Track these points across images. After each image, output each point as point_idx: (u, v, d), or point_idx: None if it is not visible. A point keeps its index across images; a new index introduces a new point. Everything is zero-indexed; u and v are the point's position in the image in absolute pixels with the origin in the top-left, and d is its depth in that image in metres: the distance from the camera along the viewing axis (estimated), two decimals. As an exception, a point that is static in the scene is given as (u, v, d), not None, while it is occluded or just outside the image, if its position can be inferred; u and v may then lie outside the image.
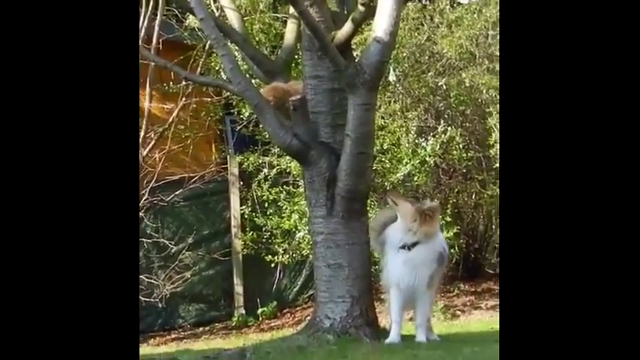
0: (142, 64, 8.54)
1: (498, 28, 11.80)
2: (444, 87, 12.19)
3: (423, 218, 7.03)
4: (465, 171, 12.47)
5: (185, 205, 13.20)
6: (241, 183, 13.11)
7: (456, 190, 12.52)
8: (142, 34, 11.17)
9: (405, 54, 12.17)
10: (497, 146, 11.53)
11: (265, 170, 12.42)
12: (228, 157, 13.48)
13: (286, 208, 12.18)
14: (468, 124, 12.60)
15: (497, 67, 11.83)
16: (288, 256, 12.31)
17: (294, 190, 12.14)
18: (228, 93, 11.78)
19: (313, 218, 7.64)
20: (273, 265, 12.46)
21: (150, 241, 12.44)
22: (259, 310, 13.02)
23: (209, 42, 10.13)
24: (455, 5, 12.64)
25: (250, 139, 12.90)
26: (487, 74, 11.90)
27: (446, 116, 12.45)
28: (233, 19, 8.66)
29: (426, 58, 12.48)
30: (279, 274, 13.13)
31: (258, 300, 13.10)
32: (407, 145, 11.73)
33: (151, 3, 11.67)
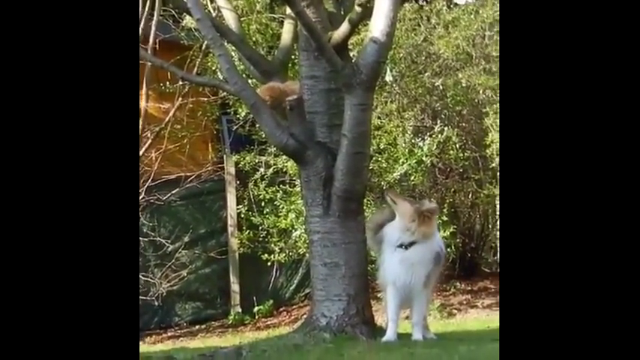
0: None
1: (495, 29, 11.86)
2: (441, 87, 12.22)
3: (422, 219, 7.04)
4: (461, 171, 12.49)
5: (182, 204, 13.22)
6: (238, 182, 13.12)
7: (453, 189, 12.55)
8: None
9: (401, 54, 12.19)
10: (494, 146, 11.56)
11: (262, 170, 12.44)
12: (224, 156, 13.50)
13: (283, 208, 12.20)
14: (464, 124, 12.63)
15: (494, 68, 11.87)
16: (284, 254, 12.33)
17: (291, 190, 12.15)
18: (225, 93, 11.78)
19: (310, 217, 7.66)
20: (269, 263, 12.47)
21: (146, 239, 12.45)
22: (255, 309, 13.04)
23: (206, 42, 10.12)
24: (452, 6, 12.67)
25: (247, 138, 12.91)
26: (484, 75, 11.93)
27: (442, 116, 12.47)
28: (230, 19, 8.67)
29: (423, 58, 12.51)
30: (276, 272, 13.15)
31: (254, 298, 13.11)
32: (403, 144, 11.75)
33: (148, 3, 11.67)
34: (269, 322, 12.79)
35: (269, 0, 12.69)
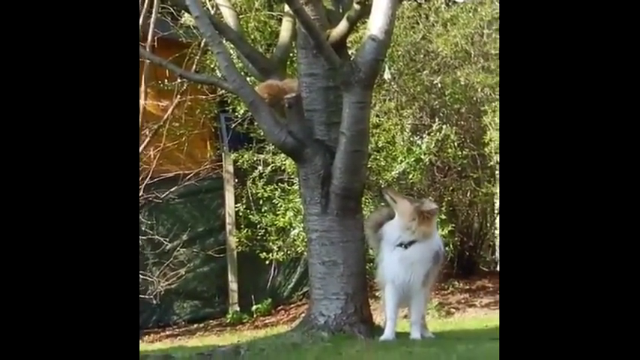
0: (137, 61, 8.54)
1: (494, 27, 11.85)
2: (439, 85, 12.21)
3: (422, 218, 7.03)
4: (459, 169, 12.49)
5: (180, 202, 13.22)
6: (236, 180, 13.12)
7: (451, 188, 12.54)
8: (137, 31, 11.16)
9: (400, 52, 12.18)
10: (492, 144, 11.56)
11: (260, 168, 12.44)
12: (223, 154, 13.50)
13: (281, 206, 12.19)
14: (462, 123, 12.63)
15: (493, 66, 11.87)
16: (282, 253, 12.33)
17: (289, 188, 12.14)
18: (223, 91, 11.78)
19: (308, 216, 7.65)
20: (267, 262, 12.47)
21: (144, 237, 12.44)
22: (254, 307, 13.03)
23: (204, 40, 10.12)
24: (450, 4, 12.66)
25: (245, 136, 12.91)
26: (482, 73, 11.93)
27: (441, 114, 12.46)
28: (228, 16, 8.66)
29: (421, 56, 12.50)
30: (274, 271, 13.15)
31: (252, 297, 13.11)
32: (402, 143, 11.75)
33: (147, 1, 11.66)
34: (267, 321, 12.78)
35: (267, -3, 12.69)
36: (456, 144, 11.93)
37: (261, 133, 11.22)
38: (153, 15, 11.85)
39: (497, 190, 12.72)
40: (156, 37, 11.93)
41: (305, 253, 10.73)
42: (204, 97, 13.24)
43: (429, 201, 7.71)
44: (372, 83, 7.52)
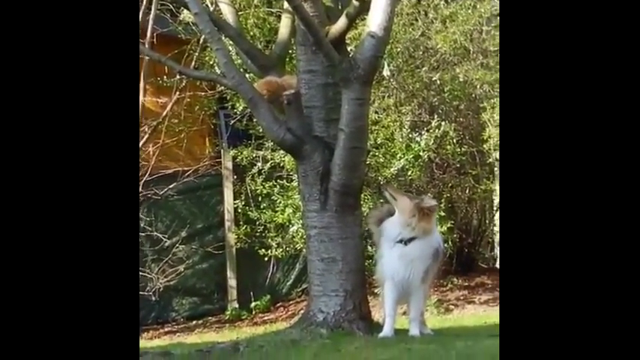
0: (136, 58, 8.54)
1: (493, 24, 11.84)
2: (438, 82, 12.21)
3: (422, 215, 7.04)
4: (458, 166, 12.49)
5: (179, 199, 13.22)
6: (235, 177, 13.12)
7: (450, 184, 12.54)
8: (136, 27, 11.14)
9: (399, 49, 12.17)
10: (491, 141, 11.56)
11: (259, 164, 12.43)
12: (222, 151, 13.50)
13: (280, 202, 12.19)
14: (461, 119, 12.62)
15: (491, 63, 11.87)
16: (281, 250, 12.33)
17: (288, 184, 12.14)
18: (222, 87, 11.78)
19: (307, 212, 7.65)
20: (266, 258, 12.47)
21: (143, 234, 12.43)
22: (253, 304, 13.04)
23: (203, 36, 10.12)
24: (449, 1, 12.65)
25: (244, 133, 12.91)
26: (481, 69, 11.93)
27: (440, 111, 12.46)
28: (227, 13, 8.65)
29: (420, 53, 12.49)
30: (273, 267, 13.15)
31: (251, 294, 13.11)
32: (401, 139, 11.74)
33: (146, -3, 11.66)
34: (266, 318, 12.78)
35: (267, -6, 12.68)
36: (454, 141, 11.93)
37: (260, 130, 11.20)
38: (152, 11, 11.84)
39: (496, 187, 12.74)
40: (155, 34, 11.91)
41: (304, 250, 10.73)
42: (203, 93, 13.23)
43: (428, 197, 7.71)
44: (371, 80, 7.52)
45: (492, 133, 11.60)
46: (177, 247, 12.98)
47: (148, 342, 11.50)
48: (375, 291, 8.44)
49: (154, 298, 12.41)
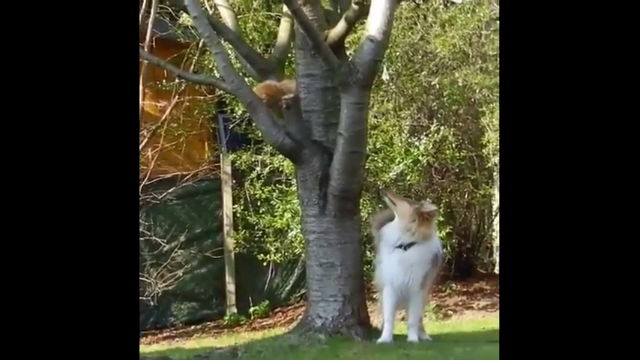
0: (134, 61, 8.53)
1: (492, 28, 11.84)
2: (437, 86, 12.20)
3: (422, 220, 7.03)
4: (457, 170, 12.48)
5: (177, 203, 13.20)
6: (234, 181, 13.10)
7: (449, 189, 12.53)
8: (135, 31, 11.13)
9: (398, 53, 12.17)
10: (490, 146, 11.56)
11: (258, 169, 12.42)
12: (220, 155, 13.48)
13: (279, 207, 12.18)
14: (460, 124, 12.62)
15: (491, 67, 11.86)
16: (280, 254, 12.31)
17: (287, 189, 12.13)
18: (221, 91, 11.76)
19: (305, 217, 7.63)
20: (265, 263, 12.45)
21: (142, 239, 12.41)
22: (251, 309, 13.02)
23: (202, 40, 10.11)
24: (448, 5, 12.66)
25: (243, 137, 12.89)
26: (480, 74, 11.92)
27: (439, 115, 12.46)
28: (226, 17, 8.66)
29: (420, 57, 12.49)
30: (271, 272, 13.13)
31: (250, 299, 13.09)
32: (400, 144, 11.73)
33: (145, 1, 11.64)
34: (265, 323, 12.76)
35: (266, -2, 12.68)
36: (453, 145, 11.92)
37: (259, 134, 11.20)
38: (151, 15, 11.82)
39: (495, 192, 12.73)
40: (154, 37, 11.90)
41: (302, 255, 10.73)
42: (202, 97, 13.22)
43: (428, 202, 7.70)
44: (370, 84, 7.51)
45: (491, 137, 11.59)
46: (176, 251, 12.96)
47: (146, 347, 11.48)
48: (374, 296, 8.43)
49: (152, 303, 12.39)
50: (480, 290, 12.60)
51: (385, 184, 11.49)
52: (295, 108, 7.49)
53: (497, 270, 13.45)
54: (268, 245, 12.34)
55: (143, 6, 11.56)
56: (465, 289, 12.61)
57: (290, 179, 11.92)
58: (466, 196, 12.71)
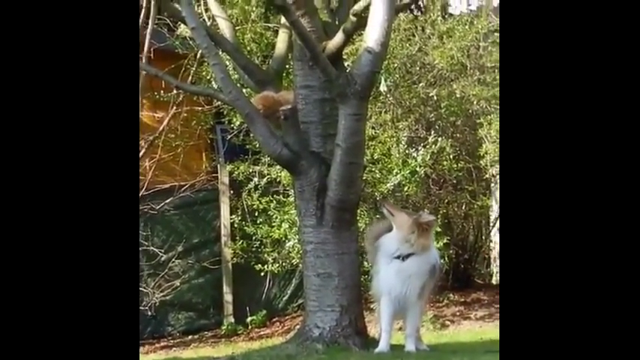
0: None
1: (489, 40, 11.86)
2: (435, 98, 12.20)
3: (420, 230, 7.04)
4: (455, 181, 12.48)
5: (175, 214, 13.21)
6: (231, 192, 13.11)
7: (446, 200, 12.53)
8: (133, 42, 11.15)
9: (396, 64, 12.18)
10: (488, 157, 11.57)
11: (255, 179, 12.41)
12: (218, 165, 13.49)
13: (276, 217, 12.18)
14: (458, 135, 12.62)
15: (488, 79, 11.89)
16: (277, 265, 12.31)
17: (284, 200, 12.13)
18: (219, 102, 11.78)
19: (303, 227, 7.64)
20: (262, 273, 12.46)
21: (140, 249, 12.42)
22: (249, 319, 13.01)
23: (200, 51, 10.13)
24: (446, 17, 12.69)
25: (241, 148, 12.90)
26: (478, 85, 11.94)
27: (436, 127, 12.46)
28: (224, 28, 8.67)
29: (417, 68, 12.50)
30: (269, 282, 13.13)
31: (247, 308, 13.09)
32: (397, 155, 11.74)
33: (143, 12, 11.67)
34: (262, 333, 12.76)
35: (264, 9, 12.69)
36: (451, 156, 11.92)
37: (257, 145, 11.21)
38: (149, 26, 11.87)
39: (493, 203, 12.74)
40: (152, 48, 11.94)
41: (300, 265, 10.72)
42: (200, 108, 13.24)
43: (426, 213, 7.71)
44: (367, 95, 7.52)
45: (489, 149, 11.61)
46: (174, 261, 12.96)
47: (144, 357, 11.48)
48: (371, 306, 8.43)
49: (149, 313, 12.41)
50: (477, 301, 12.59)
51: (383, 195, 11.50)
52: (293, 119, 7.50)
53: (494, 280, 13.46)
54: (266, 255, 12.34)
55: (141, 17, 11.59)
56: (462, 300, 12.60)
57: (287, 190, 11.93)
58: (464, 207, 12.72)
